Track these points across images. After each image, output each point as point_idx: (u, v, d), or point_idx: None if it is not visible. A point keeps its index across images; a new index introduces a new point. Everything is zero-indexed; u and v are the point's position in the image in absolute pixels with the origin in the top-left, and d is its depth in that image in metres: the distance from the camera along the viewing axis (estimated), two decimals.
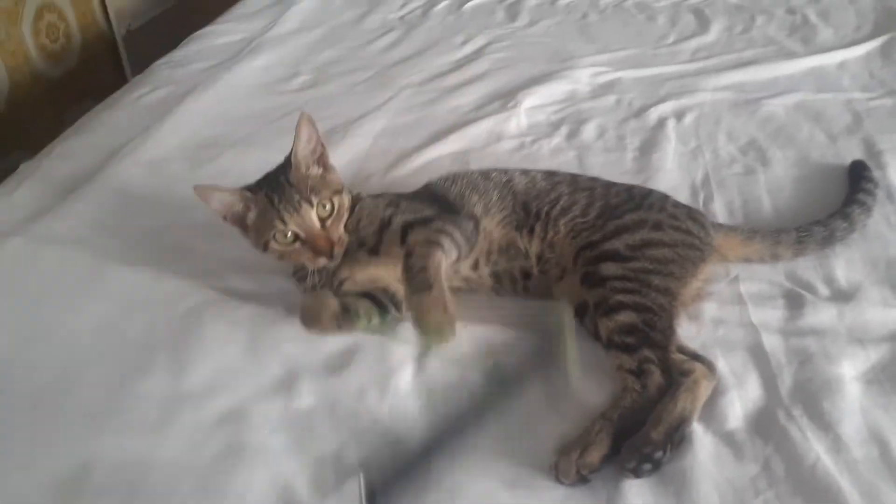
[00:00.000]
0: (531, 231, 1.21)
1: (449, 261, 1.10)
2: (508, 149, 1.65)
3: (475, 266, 1.20)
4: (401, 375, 1.09)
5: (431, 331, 1.00)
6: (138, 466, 0.98)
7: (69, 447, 1.01)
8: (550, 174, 1.31)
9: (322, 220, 1.14)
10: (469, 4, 2.46)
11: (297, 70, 2.10)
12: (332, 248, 1.14)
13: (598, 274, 1.12)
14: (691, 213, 1.24)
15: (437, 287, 1.02)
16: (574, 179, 1.30)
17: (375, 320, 1.13)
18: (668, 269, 1.12)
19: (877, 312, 1.13)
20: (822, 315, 1.13)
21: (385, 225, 1.18)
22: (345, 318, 1.11)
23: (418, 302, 1.02)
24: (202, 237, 1.36)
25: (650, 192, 1.29)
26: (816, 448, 0.92)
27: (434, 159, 1.61)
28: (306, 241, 1.14)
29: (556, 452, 0.94)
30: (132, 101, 1.97)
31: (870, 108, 1.69)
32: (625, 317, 1.06)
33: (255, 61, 2.14)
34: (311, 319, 1.11)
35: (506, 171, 1.31)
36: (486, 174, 1.30)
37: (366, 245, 1.18)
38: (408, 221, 1.16)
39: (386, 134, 1.75)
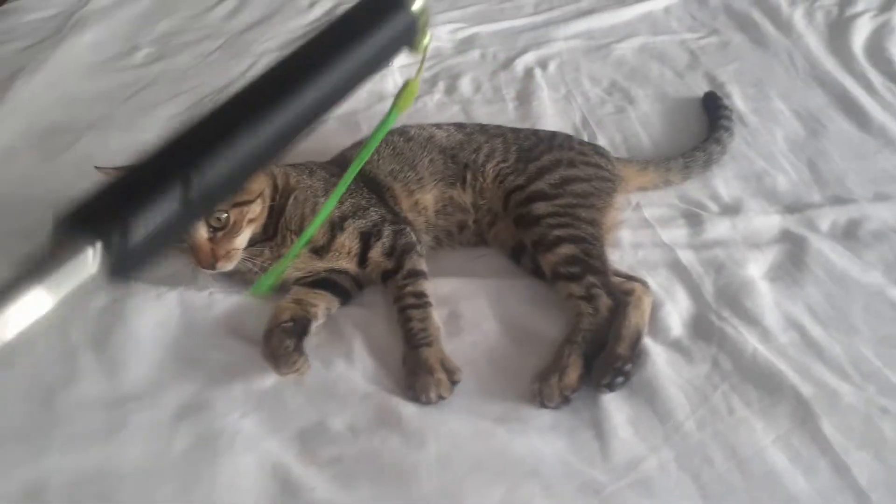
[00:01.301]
0: (464, 182, 1.23)
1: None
2: None
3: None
4: (355, 342, 1.07)
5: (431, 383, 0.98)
6: (100, 478, 0.89)
7: (9, 474, 0.89)
8: (461, 126, 1.34)
9: (215, 230, 1.04)
10: None
11: (135, 44, 1.93)
12: (214, 262, 1.04)
13: (531, 214, 1.16)
14: (597, 149, 1.33)
15: (437, 345, 1.03)
16: (483, 128, 1.33)
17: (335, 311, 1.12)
18: (589, 201, 1.20)
19: (760, 220, 1.28)
20: (718, 228, 1.26)
21: (336, 227, 1.13)
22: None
23: (416, 356, 1.02)
24: None
25: (554, 133, 1.35)
26: (751, 341, 1.04)
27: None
28: (188, 247, 1.04)
29: (536, 380, 0.99)
30: None
31: (701, 46, 1.87)
32: (565, 249, 1.12)
33: (84, 37, 1.93)
34: (276, 367, 1.00)
35: (422, 127, 1.31)
36: (405, 134, 1.29)
37: (311, 242, 1.12)
38: (364, 231, 1.14)
39: None
